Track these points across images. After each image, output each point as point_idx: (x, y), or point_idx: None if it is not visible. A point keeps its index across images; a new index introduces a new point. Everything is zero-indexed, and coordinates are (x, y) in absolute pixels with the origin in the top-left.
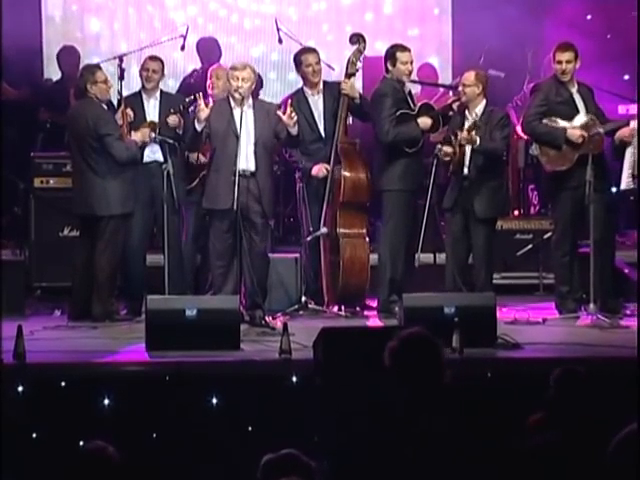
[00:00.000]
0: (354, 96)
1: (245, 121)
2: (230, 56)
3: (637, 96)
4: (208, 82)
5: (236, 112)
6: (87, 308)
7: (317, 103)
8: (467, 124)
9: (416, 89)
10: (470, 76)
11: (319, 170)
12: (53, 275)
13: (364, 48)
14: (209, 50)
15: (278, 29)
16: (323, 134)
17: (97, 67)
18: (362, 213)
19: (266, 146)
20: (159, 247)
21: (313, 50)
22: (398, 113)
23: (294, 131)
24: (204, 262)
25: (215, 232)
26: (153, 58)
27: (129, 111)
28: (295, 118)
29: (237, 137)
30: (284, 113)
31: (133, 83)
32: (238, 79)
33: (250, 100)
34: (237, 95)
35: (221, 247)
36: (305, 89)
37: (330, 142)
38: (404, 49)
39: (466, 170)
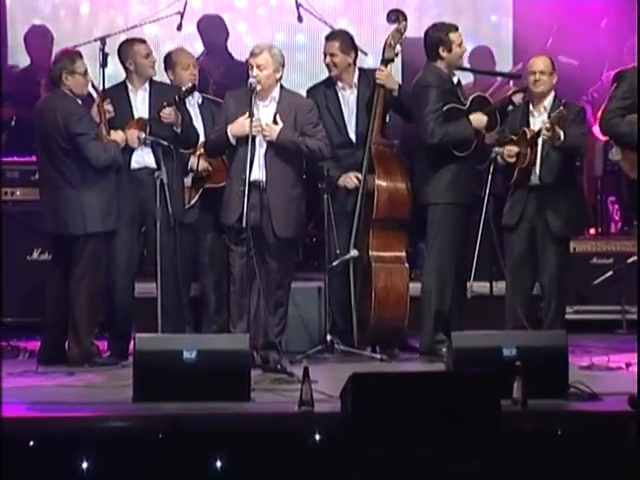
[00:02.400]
0: (391, 87)
1: (261, 118)
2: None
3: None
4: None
5: (255, 106)
6: (61, 349)
7: (349, 99)
8: (537, 117)
9: (466, 79)
10: (545, 62)
11: (348, 180)
12: (19, 308)
13: (405, 28)
14: (213, 30)
15: (298, 4)
16: (354, 137)
17: (78, 55)
18: (401, 232)
19: (286, 151)
20: (150, 273)
21: (333, 36)
22: (446, 108)
23: None
24: (204, 291)
25: (230, 253)
26: (144, 41)
27: (108, 106)
28: None
29: (251, 139)
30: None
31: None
32: (253, 67)
33: (276, 92)
34: (257, 87)
35: (235, 270)
36: (335, 80)
37: (362, 146)
38: (456, 28)
39: (535, 177)
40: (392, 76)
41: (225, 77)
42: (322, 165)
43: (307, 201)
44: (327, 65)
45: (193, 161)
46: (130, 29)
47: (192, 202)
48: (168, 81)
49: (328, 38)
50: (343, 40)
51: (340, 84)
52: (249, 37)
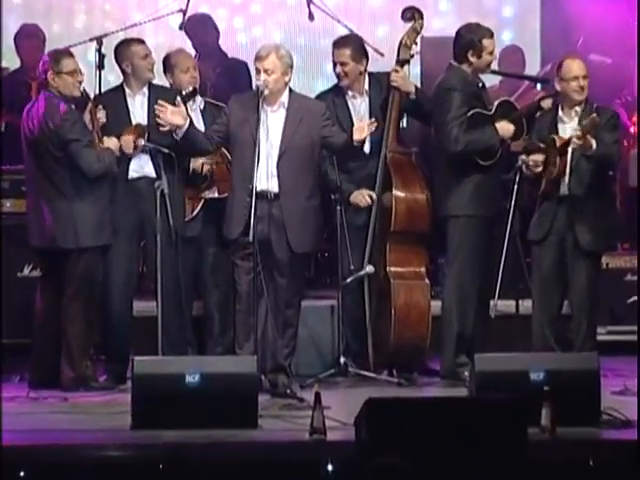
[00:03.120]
0: (408, 89)
1: (270, 125)
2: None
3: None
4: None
5: (262, 112)
6: (54, 373)
7: (360, 108)
8: (567, 123)
9: (491, 81)
10: (583, 65)
11: (360, 199)
12: (9, 329)
13: (421, 26)
14: (202, 31)
15: (309, 1)
16: (367, 147)
17: (65, 53)
18: (420, 246)
19: (299, 159)
20: (150, 291)
21: (344, 42)
22: (470, 113)
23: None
24: (208, 310)
25: (235, 269)
26: (142, 42)
27: (100, 113)
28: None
29: (256, 145)
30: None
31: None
32: (260, 72)
33: (284, 96)
34: (265, 92)
35: (241, 287)
36: (345, 88)
37: (377, 156)
38: (491, 34)
39: (565, 188)
40: (408, 78)
41: (223, 78)
42: (335, 177)
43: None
44: (337, 75)
45: (197, 166)
46: (128, 28)
47: (194, 214)
48: (167, 85)
49: (338, 45)
50: (354, 47)
51: (350, 92)
52: (254, 36)
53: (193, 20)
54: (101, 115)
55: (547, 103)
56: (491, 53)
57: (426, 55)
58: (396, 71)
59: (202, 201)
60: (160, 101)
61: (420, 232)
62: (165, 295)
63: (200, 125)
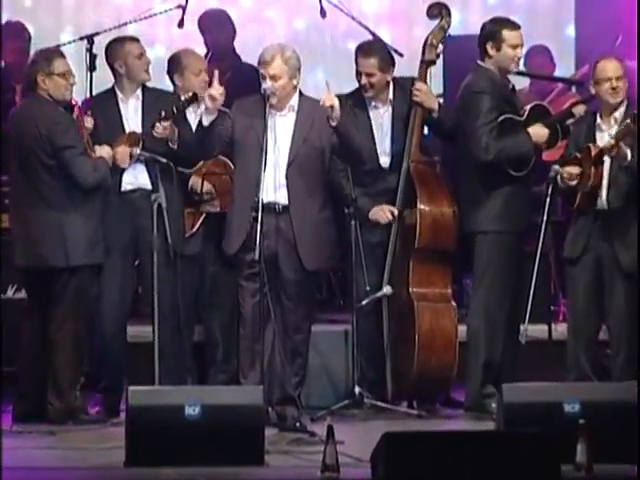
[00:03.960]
0: (431, 106)
1: (278, 130)
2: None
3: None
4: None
5: (270, 119)
6: (41, 404)
7: (383, 118)
8: (605, 130)
9: (520, 84)
10: (618, 66)
11: (381, 214)
12: None
13: (449, 24)
14: (217, 27)
15: None
16: (387, 160)
17: (57, 53)
18: (445, 265)
19: (310, 167)
20: (146, 314)
21: (370, 50)
22: (501, 119)
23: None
24: (210, 335)
25: (239, 290)
26: (137, 40)
27: (87, 118)
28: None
29: (263, 153)
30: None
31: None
32: (266, 78)
33: (294, 99)
34: (273, 100)
35: (245, 310)
36: (365, 96)
37: (397, 168)
38: (514, 26)
39: (602, 202)
40: (431, 93)
41: (232, 83)
42: (349, 191)
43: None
44: (362, 86)
45: (196, 182)
46: (122, 26)
47: (194, 229)
48: (171, 87)
49: (363, 53)
50: (382, 55)
51: (373, 102)
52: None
53: (208, 15)
54: (89, 122)
55: (579, 110)
56: (514, 47)
57: (450, 54)
58: (418, 87)
59: (203, 216)
60: (163, 123)
61: (445, 249)
62: (162, 319)
63: None
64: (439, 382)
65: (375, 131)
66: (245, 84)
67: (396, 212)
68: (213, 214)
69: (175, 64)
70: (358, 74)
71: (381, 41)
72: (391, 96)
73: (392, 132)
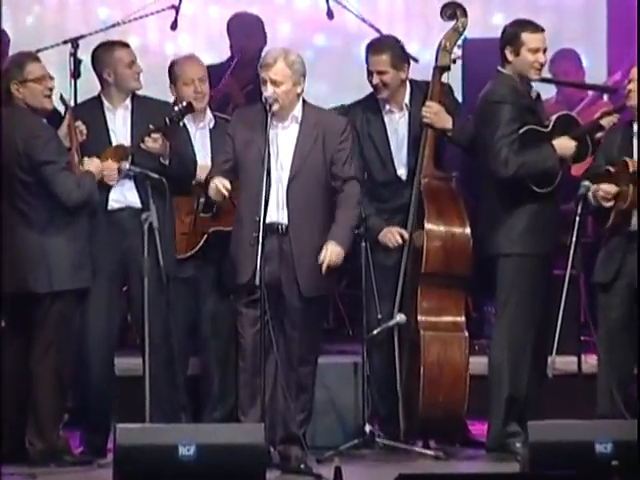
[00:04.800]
0: (443, 126)
1: (280, 143)
2: None
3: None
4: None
5: (271, 131)
6: (20, 443)
7: (399, 124)
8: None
9: (547, 93)
10: None
11: (390, 237)
12: None
13: (464, 26)
14: (246, 33)
15: None
16: (404, 172)
17: (30, 57)
18: (458, 291)
19: (312, 184)
20: (135, 345)
21: (381, 47)
22: (523, 131)
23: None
24: (206, 367)
25: (238, 318)
26: (127, 45)
27: (80, 125)
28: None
29: (266, 169)
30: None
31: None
32: (266, 82)
33: (297, 109)
34: (274, 107)
35: (245, 341)
36: (380, 101)
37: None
38: (535, 28)
39: (637, 222)
40: (442, 112)
41: (252, 98)
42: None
43: None
44: (374, 86)
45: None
46: (109, 28)
47: (194, 250)
48: (172, 98)
49: (373, 50)
50: (394, 51)
51: (387, 106)
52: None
53: (240, 19)
54: (82, 129)
55: (609, 120)
56: (534, 51)
57: (469, 60)
58: (428, 106)
59: (205, 236)
60: (153, 135)
61: (458, 274)
62: (153, 350)
63: (205, 147)
64: (447, 420)
65: (391, 138)
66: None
67: (406, 235)
68: (214, 233)
69: (170, 72)
70: (369, 74)
71: (394, 38)
72: (407, 100)
73: (409, 140)
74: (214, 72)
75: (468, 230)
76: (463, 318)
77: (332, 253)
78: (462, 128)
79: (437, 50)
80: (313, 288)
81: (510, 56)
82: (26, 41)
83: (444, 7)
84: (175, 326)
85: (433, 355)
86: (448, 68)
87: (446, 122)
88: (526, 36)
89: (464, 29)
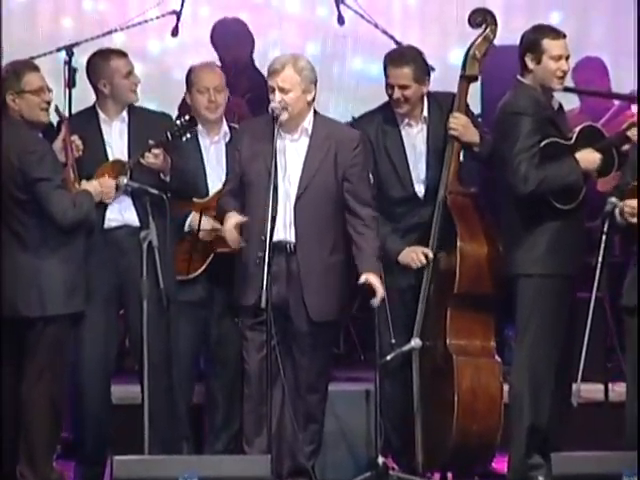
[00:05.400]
0: (470, 140)
1: (289, 157)
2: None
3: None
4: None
5: (279, 144)
6: (11, 476)
7: (417, 138)
8: None
9: (570, 104)
10: None
11: (414, 257)
12: None
13: (494, 34)
14: (233, 41)
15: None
16: (422, 189)
17: (28, 66)
18: (487, 312)
19: (322, 201)
20: (134, 372)
21: (403, 59)
22: (544, 144)
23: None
24: (210, 395)
25: (244, 342)
26: (124, 54)
27: (76, 140)
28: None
29: (272, 184)
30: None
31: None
32: (274, 90)
33: (307, 120)
34: (281, 116)
35: (250, 367)
36: (398, 112)
37: (433, 200)
38: (557, 34)
39: None
40: (470, 125)
41: (255, 106)
42: None
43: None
44: (395, 101)
45: (193, 218)
46: (106, 35)
47: (197, 272)
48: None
49: (395, 62)
50: (417, 64)
51: (405, 119)
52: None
53: (223, 27)
54: (78, 144)
55: (635, 133)
56: (556, 59)
57: (489, 68)
58: (455, 117)
59: (211, 256)
60: (154, 150)
61: (485, 294)
62: (153, 377)
63: (221, 163)
64: (480, 452)
65: (408, 153)
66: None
67: (431, 255)
68: (221, 254)
69: (186, 79)
70: (389, 87)
71: (416, 50)
72: (426, 113)
73: (427, 155)
74: None
75: (498, 247)
76: (493, 342)
77: (374, 278)
78: (489, 142)
79: (464, 59)
80: (322, 312)
81: (531, 64)
82: (18, 49)
83: (473, 14)
84: (179, 352)
85: (467, 381)
86: (476, 78)
87: (473, 135)
88: (547, 43)
89: (494, 37)
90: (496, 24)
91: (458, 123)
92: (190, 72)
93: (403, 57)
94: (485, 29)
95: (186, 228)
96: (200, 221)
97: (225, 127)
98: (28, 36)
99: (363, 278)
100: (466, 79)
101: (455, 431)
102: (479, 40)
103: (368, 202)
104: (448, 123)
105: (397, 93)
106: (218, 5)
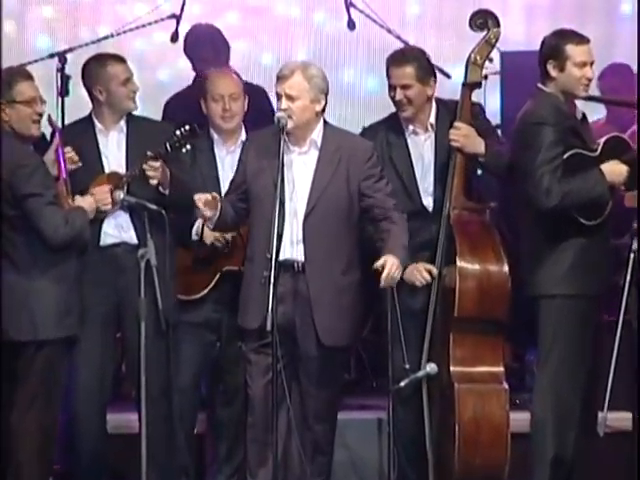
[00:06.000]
0: (475, 151)
1: (296, 171)
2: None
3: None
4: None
5: (286, 156)
6: None
7: (424, 147)
8: None
9: (596, 113)
10: None
11: (417, 275)
12: None
13: (497, 37)
14: (206, 48)
15: (349, 4)
16: (430, 202)
17: (21, 74)
18: (496, 338)
19: (333, 218)
20: (131, 399)
21: (405, 58)
22: (567, 155)
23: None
24: (215, 423)
25: (247, 366)
26: (122, 60)
27: (70, 152)
28: None
29: (279, 199)
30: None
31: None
32: (281, 97)
33: (317, 132)
34: (288, 125)
35: (254, 393)
36: (403, 121)
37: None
38: (580, 39)
39: None
40: (473, 135)
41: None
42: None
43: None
44: (396, 103)
45: (200, 226)
46: (101, 40)
47: (203, 292)
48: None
49: (396, 62)
50: (420, 63)
51: (410, 127)
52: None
53: (194, 34)
54: (72, 156)
55: None
56: (581, 66)
57: (509, 75)
58: (456, 128)
59: (217, 275)
60: (153, 163)
61: (495, 318)
62: (151, 404)
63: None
64: None
65: (415, 163)
66: (252, 110)
67: (435, 271)
68: (228, 272)
69: (201, 86)
70: (392, 89)
71: (419, 49)
72: (433, 119)
73: (435, 165)
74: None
75: (506, 268)
76: (502, 368)
77: (393, 265)
78: (497, 153)
79: (466, 65)
80: (333, 336)
81: (553, 72)
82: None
83: (473, 16)
84: (181, 377)
85: (469, 411)
86: (479, 85)
87: (477, 146)
88: (571, 48)
89: (496, 40)
90: (499, 26)
91: (459, 134)
92: (205, 79)
93: (405, 56)
94: (487, 32)
95: (193, 236)
96: (203, 229)
97: (243, 136)
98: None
99: (382, 260)
100: (468, 86)
101: (457, 465)
102: (480, 44)
103: (397, 208)
104: (449, 134)
105: (399, 94)
106: (206, 7)
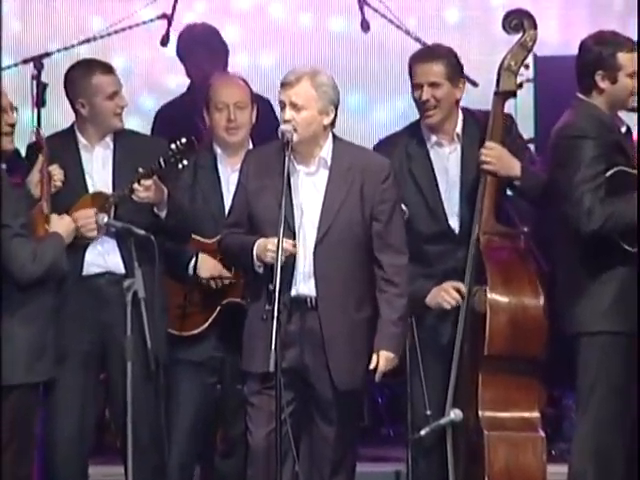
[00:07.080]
0: (509, 174)
1: (303, 194)
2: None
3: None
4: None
5: (292, 176)
6: None
7: (449, 161)
8: None
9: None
10: None
11: (444, 296)
12: None
13: (533, 40)
14: (201, 52)
15: (363, 3)
16: (457, 223)
17: None
18: (531, 379)
19: (347, 246)
20: (116, 449)
21: (433, 54)
22: (610, 173)
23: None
24: (217, 474)
25: (248, 411)
26: (111, 70)
27: (55, 169)
28: None
29: (280, 226)
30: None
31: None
32: (285, 106)
33: (325, 148)
34: (293, 138)
35: (255, 442)
36: (425, 130)
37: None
38: (632, 46)
39: None
40: (506, 156)
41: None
42: None
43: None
44: (421, 104)
45: (199, 260)
46: (83, 44)
47: (200, 328)
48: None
49: (423, 59)
50: (449, 62)
51: (434, 137)
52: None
53: (189, 35)
54: (57, 174)
55: None
56: (633, 75)
57: (544, 83)
58: (488, 148)
59: (218, 309)
60: (144, 182)
61: (531, 357)
62: (140, 455)
63: None
64: None
65: (439, 179)
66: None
67: (464, 290)
68: (229, 305)
69: (205, 94)
70: (416, 89)
71: (449, 49)
72: (459, 129)
73: (461, 182)
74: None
75: (542, 301)
76: (537, 413)
77: (385, 360)
78: (534, 175)
79: (498, 71)
80: (348, 379)
81: (603, 83)
82: None
83: (507, 16)
84: (176, 424)
85: (500, 462)
86: (513, 94)
87: (512, 168)
88: (623, 57)
89: (533, 44)
90: (535, 28)
91: (492, 155)
92: (209, 87)
93: (433, 53)
94: (522, 35)
95: (190, 271)
96: (196, 265)
97: (250, 145)
98: None
99: (374, 360)
100: (501, 95)
101: None
102: (514, 48)
103: (398, 248)
104: (479, 155)
105: (426, 93)
106: (203, 12)
